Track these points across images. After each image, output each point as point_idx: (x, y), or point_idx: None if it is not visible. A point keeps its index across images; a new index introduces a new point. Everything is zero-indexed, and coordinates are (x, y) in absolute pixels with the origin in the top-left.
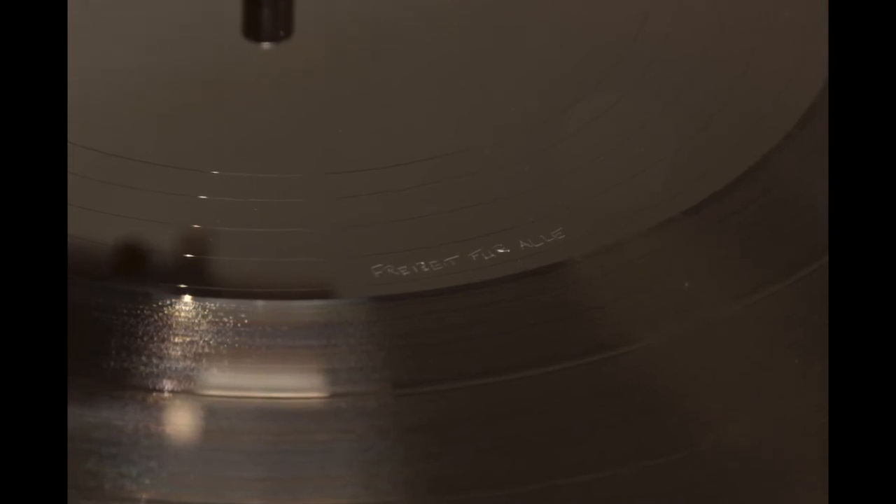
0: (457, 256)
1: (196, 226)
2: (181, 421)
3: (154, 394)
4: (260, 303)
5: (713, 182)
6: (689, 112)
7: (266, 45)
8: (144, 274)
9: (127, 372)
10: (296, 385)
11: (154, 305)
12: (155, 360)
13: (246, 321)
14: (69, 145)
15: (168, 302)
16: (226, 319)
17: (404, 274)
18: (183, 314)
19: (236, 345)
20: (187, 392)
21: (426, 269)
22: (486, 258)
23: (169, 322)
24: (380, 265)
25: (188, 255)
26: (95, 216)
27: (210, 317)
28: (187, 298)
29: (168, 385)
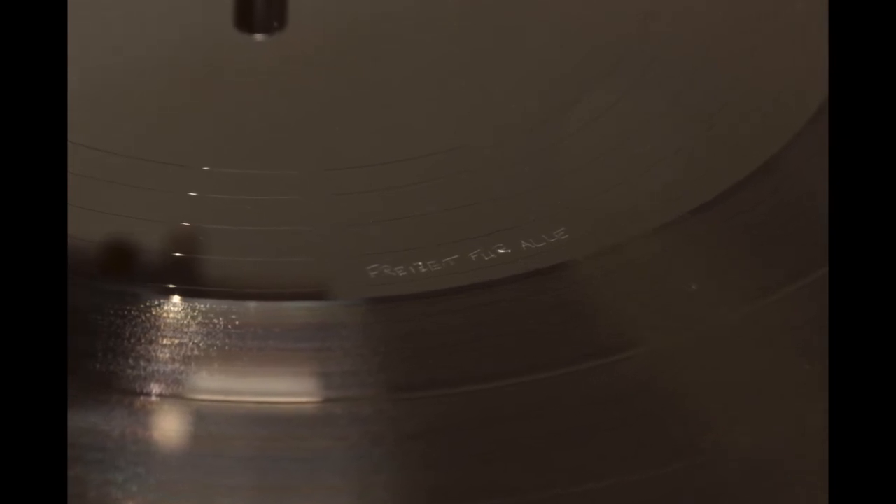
0: (456, 256)
1: (186, 224)
2: (169, 426)
3: (141, 397)
4: (252, 304)
5: (716, 182)
6: (689, 112)
7: (259, 37)
8: (132, 273)
9: (113, 375)
10: (288, 389)
11: (142, 306)
12: (142, 363)
13: (237, 323)
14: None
15: (156, 302)
16: (216, 321)
17: (401, 275)
18: (172, 315)
19: (227, 347)
20: (176, 396)
21: (423, 270)
22: (486, 258)
23: (157, 323)
24: (376, 265)
25: (178, 254)
26: (83, 213)
27: (200, 318)
28: (176, 299)
29: (156, 388)
